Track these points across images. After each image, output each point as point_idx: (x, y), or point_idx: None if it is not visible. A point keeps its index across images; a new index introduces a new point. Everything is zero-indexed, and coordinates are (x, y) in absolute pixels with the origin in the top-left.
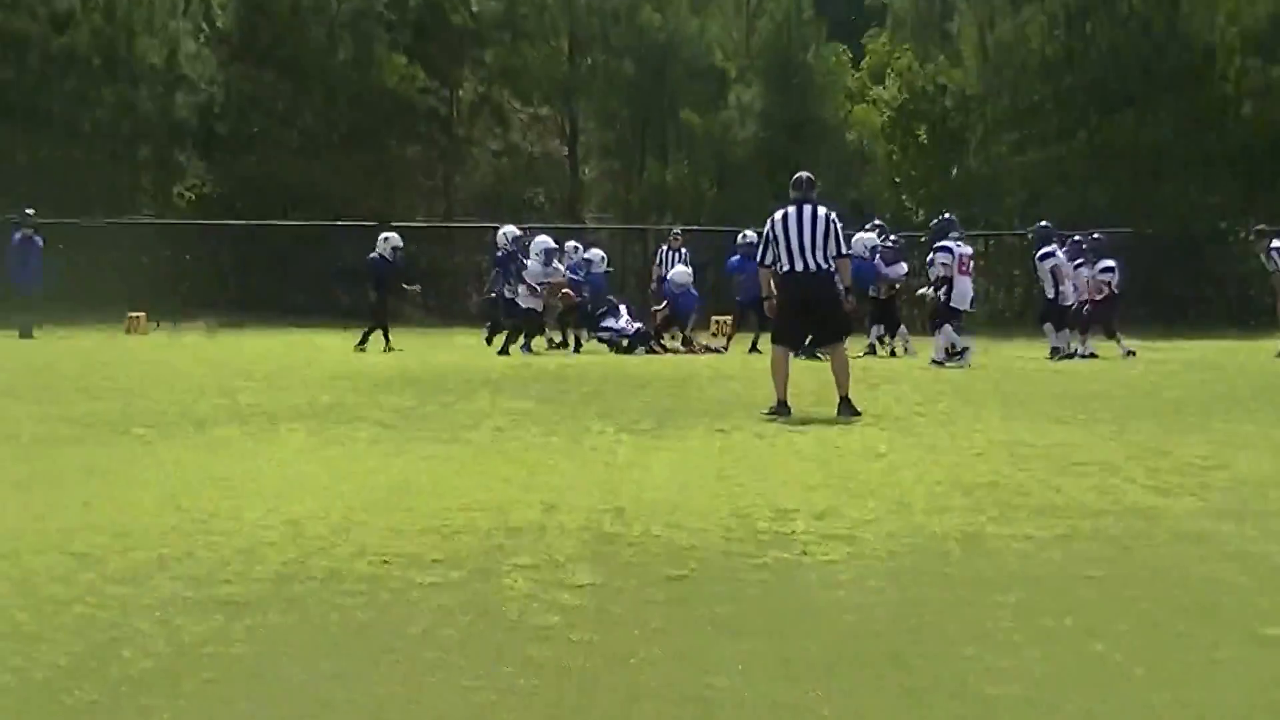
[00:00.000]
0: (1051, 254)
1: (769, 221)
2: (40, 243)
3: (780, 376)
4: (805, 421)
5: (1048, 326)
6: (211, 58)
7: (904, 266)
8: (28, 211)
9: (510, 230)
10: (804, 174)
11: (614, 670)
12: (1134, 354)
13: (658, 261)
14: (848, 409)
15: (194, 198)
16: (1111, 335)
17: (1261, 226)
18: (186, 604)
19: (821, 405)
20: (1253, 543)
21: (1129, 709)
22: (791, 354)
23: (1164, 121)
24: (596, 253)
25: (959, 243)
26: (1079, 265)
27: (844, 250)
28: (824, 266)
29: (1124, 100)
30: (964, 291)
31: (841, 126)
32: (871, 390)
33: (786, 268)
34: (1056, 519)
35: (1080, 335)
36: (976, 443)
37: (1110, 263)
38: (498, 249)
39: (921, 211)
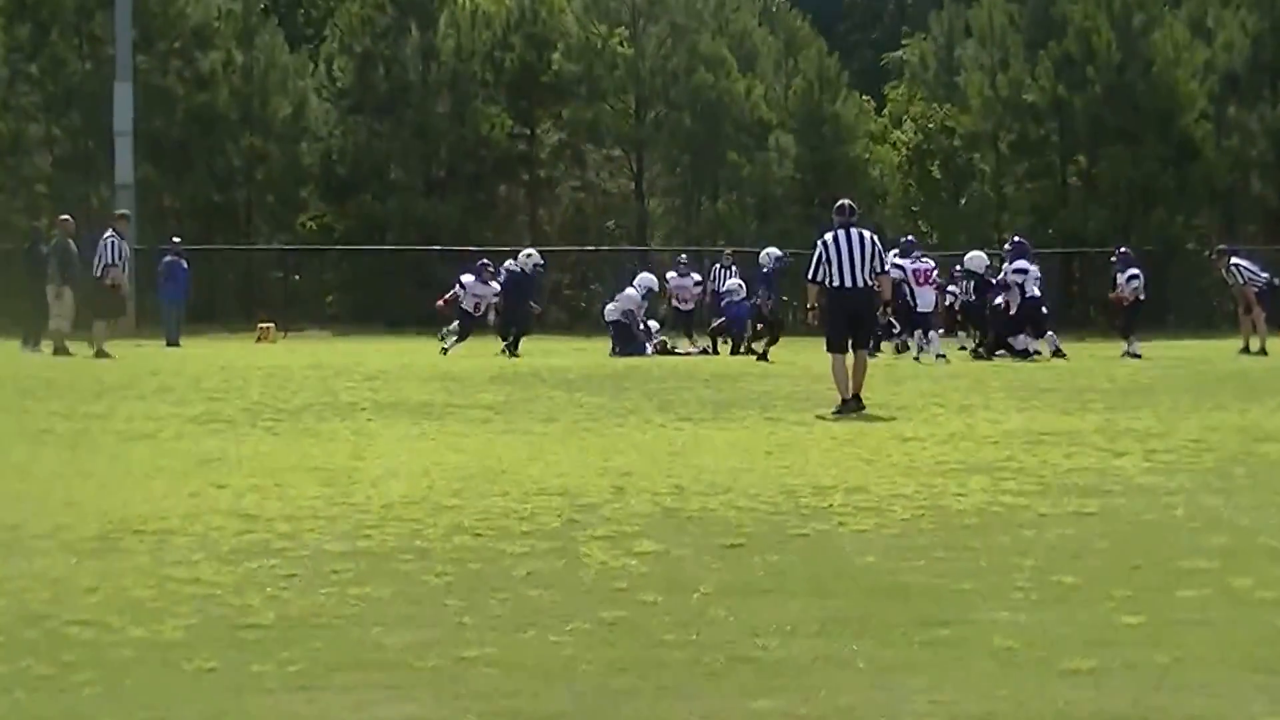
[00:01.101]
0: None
1: (820, 243)
2: (185, 265)
3: (840, 379)
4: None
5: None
6: (333, 111)
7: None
8: (174, 240)
9: (774, 251)
10: (847, 201)
11: (676, 629)
12: (1139, 356)
13: (711, 278)
14: (857, 403)
15: (315, 227)
16: (1125, 335)
17: (1222, 246)
18: (294, 581)
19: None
20: (1242, 513)
21: (1135, 664)
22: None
23: (1151, 155)
24: (511, 263)
25: (919, 259)
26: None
27: (885, 269)
28: (868, 283)
29: (1116, 136)
30: (927, 300)
31: (864, 165)
32: (896, 385)
33: (836, 283)
34: (1067, 496)
35: (1125, 336)
36: (991, 430)
37: (1135, 270)
38: (761, 267)
39: (935, 235)
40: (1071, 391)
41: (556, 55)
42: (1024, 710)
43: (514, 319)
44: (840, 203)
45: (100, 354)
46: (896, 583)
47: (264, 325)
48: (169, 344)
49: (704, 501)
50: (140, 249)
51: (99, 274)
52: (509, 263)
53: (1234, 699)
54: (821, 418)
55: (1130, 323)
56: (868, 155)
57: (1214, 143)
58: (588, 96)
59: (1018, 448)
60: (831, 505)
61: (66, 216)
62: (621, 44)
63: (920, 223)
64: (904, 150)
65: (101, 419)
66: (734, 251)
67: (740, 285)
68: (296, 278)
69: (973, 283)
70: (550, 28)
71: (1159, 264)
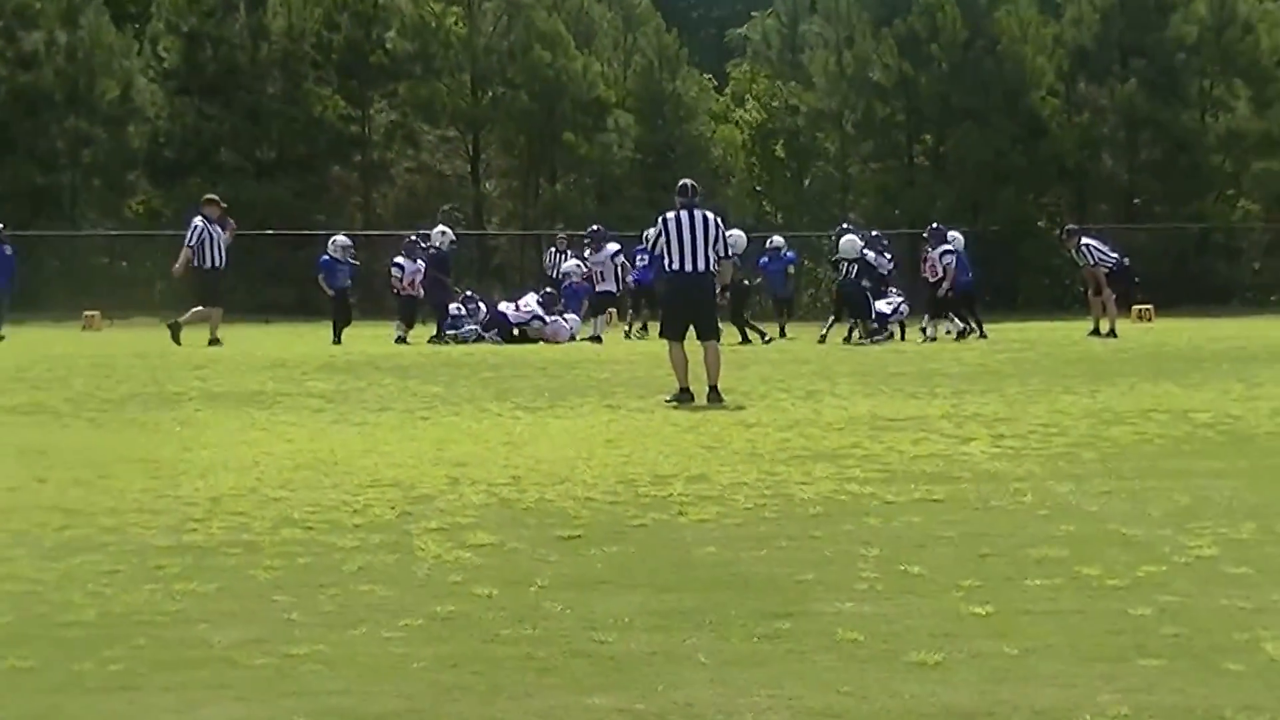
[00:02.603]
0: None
1: (660, 221)
2: (10, 251)
3: (679, 367)
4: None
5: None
6: (160, 92)
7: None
8: None
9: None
10: (688, 181)
11: (511, 623)
12: (935, 340)
13: (547, 262)
14: (715, 397)
15: (142, 211)
16: (938, 314)
17: (1071, 226)
18: (117, 577)
19: (695, 382)
20: (1091, 500)
21: (982, 656)
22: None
23: (999, 133)
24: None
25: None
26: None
27: (727, 253)
28: (709, 268)
29: (963, 115)
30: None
31: (707, 144)
32: (740, 370)
33: (675, 266)
34: (914, 483)
35: (932, 315)
36: (837, 416)
37: (949, 246)
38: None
39: (780, 216)
40: (919, 376)
41: (391, 33)
42: (868, 705)
43: (441, 304)
44: (682, 183)
45: (214, 341)
46: (737, 574)
47: (89, 313)
48: None
49: (541, 492)
50: None
51: (197, 262)
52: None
53: (1082, 689)
54: (670, 404)
55: (937, 303)
56: (710, 134)
57: (1063, 119)
58: (422, 75)
59: (863, 434)
60: (672, 494)
61: None
62: (456, 22)
63: (764, 203)
64: (747, 129)
65: None
66: (570, 235)
67: (578, 266)
68: (124, 264)
69: (855, 266)
70: (382, 6)
71: (1009, 244)
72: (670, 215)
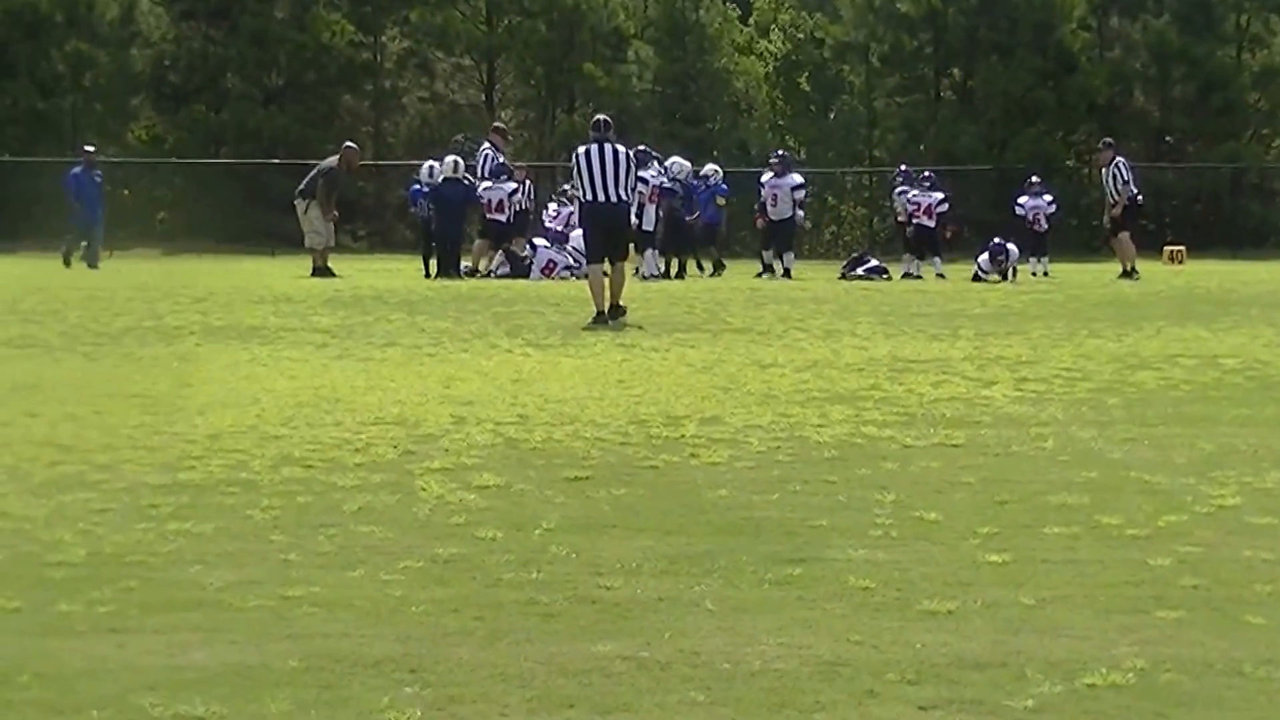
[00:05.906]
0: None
1: (575, 156)
2: (99, 178)
3: (597, 292)
4: (693, 334)
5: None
6: (165, 15)
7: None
8: (87, 149)
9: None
10: (601, 116)
11: (515, 568)
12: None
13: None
14: (618, 312)
15: (146, 137)
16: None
17: (1109, 139)
18: (109, 515)
19: (712, 321)
20: (1114, 446)
21: (997, 605)
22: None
23: (1027, 68)
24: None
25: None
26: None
27: (638, 185)
28: (622, 198)
29: (990, 49)
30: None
31: (729, 76)
32: (758, 309)
33: (589, 197)
34: (933, 428)
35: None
36: (856, 357)
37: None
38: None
39: (803, 151)
40: (942, 317)
41: None
42: (878, 654)
43: (453, 236)
44: (596, 118)
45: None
46: (749, 518)
47: (87, 244)
48: (90, 266)
49: (549, 432)
50: None
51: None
52: (428, 169)
53: (1098, 641)
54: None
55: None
56: (733, 67)
57: (1093, 55)
58: (436, 1)
59: (883, 376)
60: (684, 436)
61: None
62: None
63: (787, 137)
64: (771, 61)
65: None
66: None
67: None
68: (125, 192)
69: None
70: None
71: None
72: (582, 150)
